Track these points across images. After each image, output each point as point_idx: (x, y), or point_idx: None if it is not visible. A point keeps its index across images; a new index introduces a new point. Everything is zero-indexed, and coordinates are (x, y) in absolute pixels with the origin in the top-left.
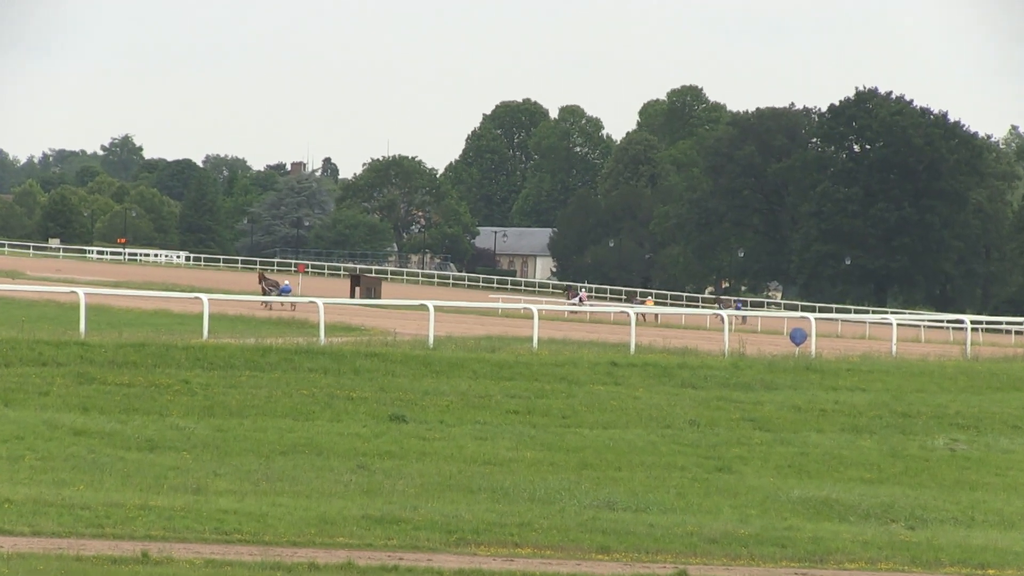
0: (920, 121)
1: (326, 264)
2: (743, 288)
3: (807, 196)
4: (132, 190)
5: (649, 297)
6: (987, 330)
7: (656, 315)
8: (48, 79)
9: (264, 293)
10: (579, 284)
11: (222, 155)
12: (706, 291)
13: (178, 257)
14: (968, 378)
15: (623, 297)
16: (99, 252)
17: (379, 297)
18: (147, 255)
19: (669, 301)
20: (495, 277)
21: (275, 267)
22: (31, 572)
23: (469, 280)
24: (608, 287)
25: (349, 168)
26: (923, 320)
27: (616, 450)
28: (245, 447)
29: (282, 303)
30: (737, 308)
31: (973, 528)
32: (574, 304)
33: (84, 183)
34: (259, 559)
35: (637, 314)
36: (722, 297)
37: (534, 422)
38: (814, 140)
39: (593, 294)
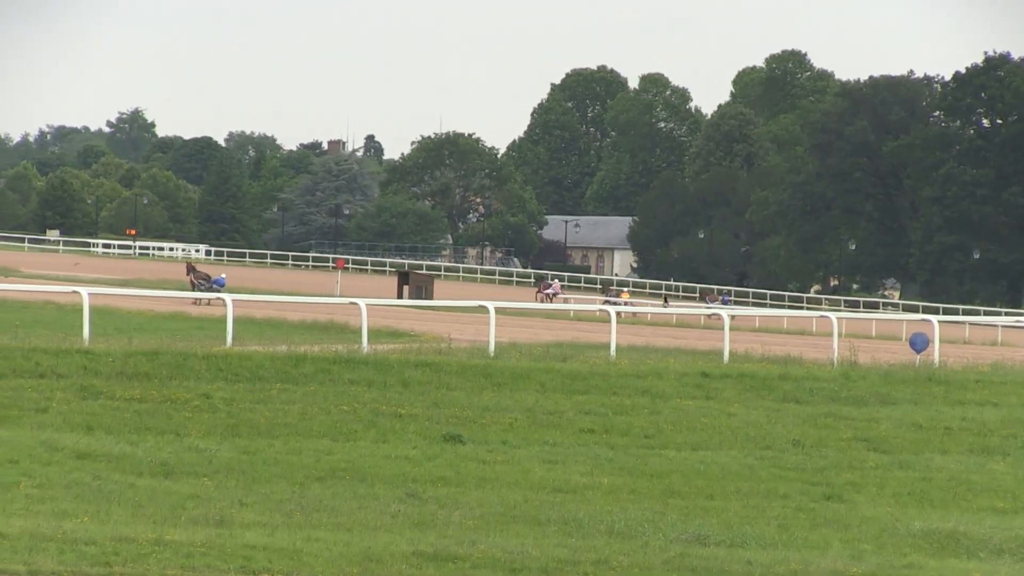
0: None
1: (369, 259)
2: (854, 287)
3: (928, 179)
4: (143, 173)
5: (625, 290)
6: None
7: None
8: (45, 45)
9: (192, 287)
10: (547, 273)
11: (248, 132)
12: (811, 290)
13: (197, 251)
14: None
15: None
16: (105, 245)
17: (431, 297)
18: (161, 249)
19: (769, 301)
20: (566, 274)
21: (310, 263)
22: None
23: (536, 277)
24: (697, 285)
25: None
26: None
27: (707, 475)
28: (275, 472)
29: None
30: (724, 301)
31: None
32: (547, 296)
33: (87, 165)
34: None
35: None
36: (715, 287)
37: (612, 443)
38: (936, 113)
39: (679, 293)
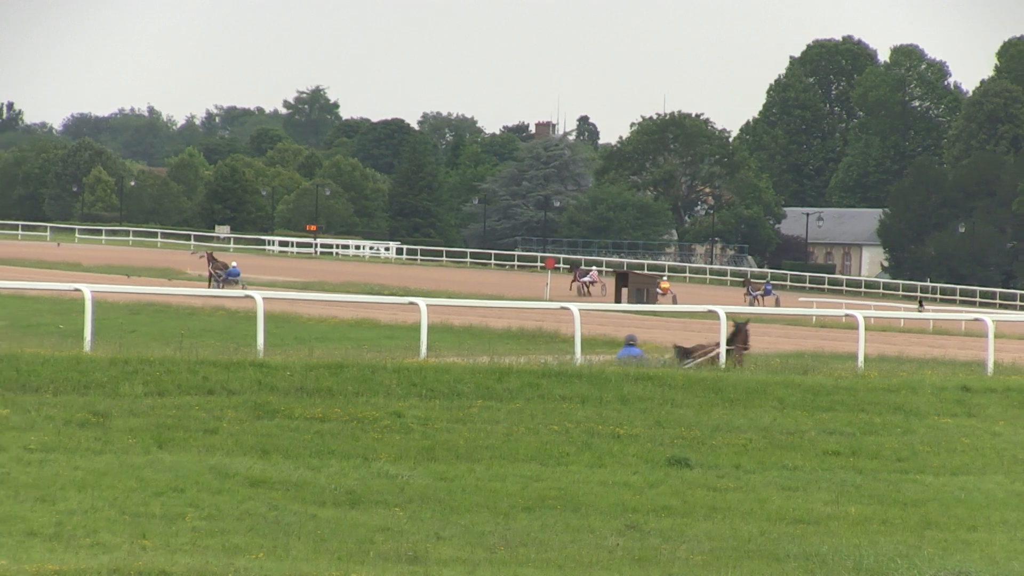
0: None
1: (583, 257)
2: None
3: None
4: (325, 161)
5: (664, 279)
6: None
7: (673, 297)
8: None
9: (211, 278)
10: (580, 258)
11: (444, 114)
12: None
13: (387, 249)
14: None
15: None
16: (282, 243)
17: (653, 301)
18: (346, 247)
19: None
20: (807, 274)
21: (516, 262)
22: None
23: (773, 278)
24: (958, 287)
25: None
26: None
27: (969, 504)
28: (477, 501)
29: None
30: (767, 290)
31: None
32: (584, 284)
33: (261, 151)
34: None
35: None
36: (752, 280)
37: (860, 467)
38: None
39: (928, 295)
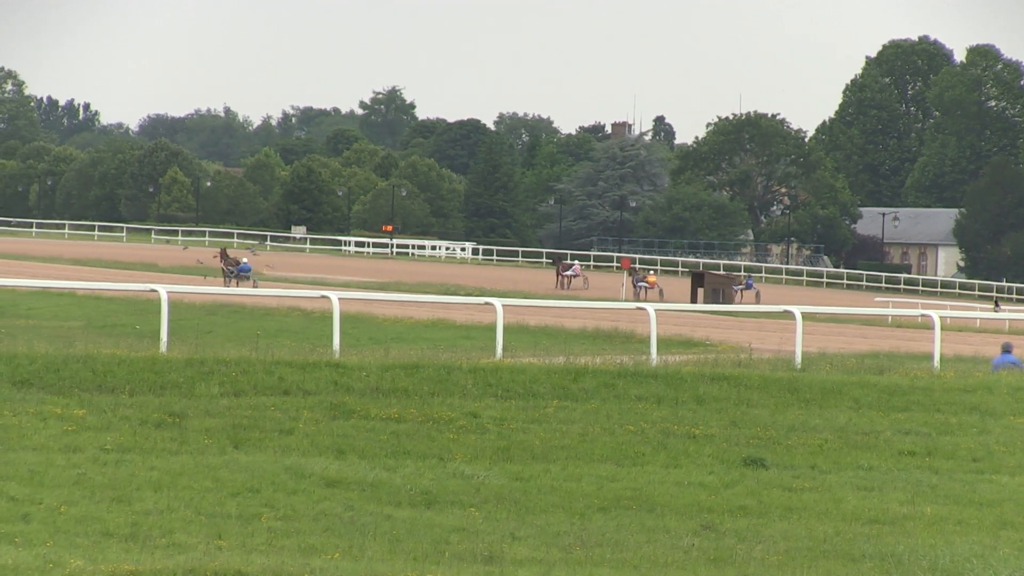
0: None
1: (659, 258)
2: None
3: None
4: (401, 161)
5: (651, 272)
6: None
7: (660, 291)
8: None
9: (224, 275)
10: (566, 252)
11: (520, 114)
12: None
13: (463, 250)
14: None
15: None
16: (358, 244)
17: (730, 301)
18: (422, 247)
19: None
20: (882, 274)
21: (591, 262)
22: None
23: (849, 278)
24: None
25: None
26: None
27: None
28: (552, 502)
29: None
30: (748, 285)
31: None
32: (567, 278)
33: (338, 152)
34: None
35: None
36: (733, 274)
37: (935, 467)
38: None
39: (1004, 295)
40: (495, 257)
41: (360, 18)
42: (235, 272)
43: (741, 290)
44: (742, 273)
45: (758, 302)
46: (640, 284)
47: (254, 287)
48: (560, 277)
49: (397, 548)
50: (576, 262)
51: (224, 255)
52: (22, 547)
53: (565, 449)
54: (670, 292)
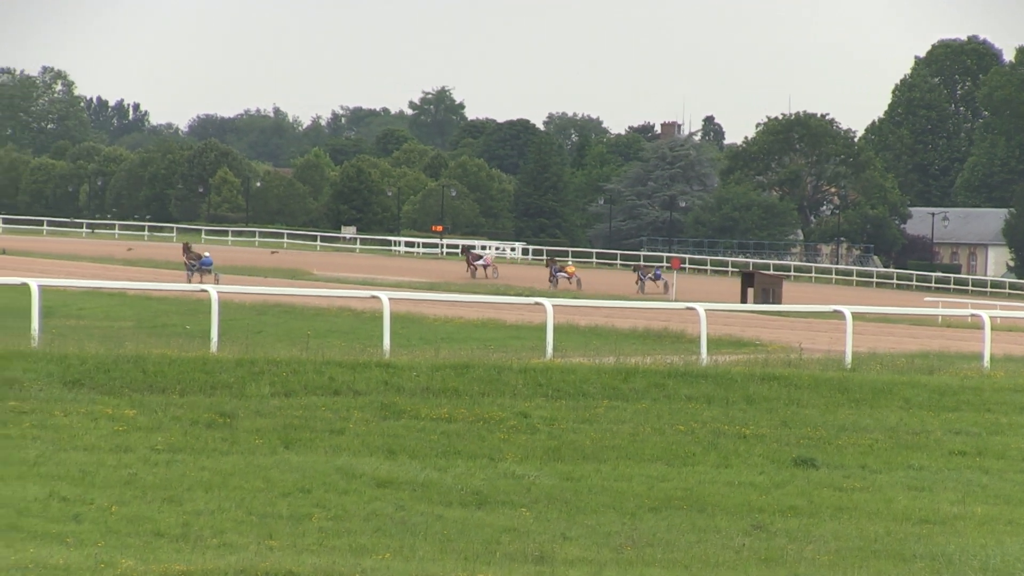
0: None
1: (709, 258)
2: None
3: None
4: (451, 161)
5: (569, 263)
6: None
7: (578, 281)
8: (340, 21)
9: (187, 268)
10: (475, 243)
11: (570, 114)
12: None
13: (512, 250)
14: None
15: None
16: (408, 244)
17: (779, 301)
18: (472, 248)
19: None
20: (932, 274)
21: (640, 262)
22: None
23: (899, 278)
24: None
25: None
26: None
27: None
28: (603, 502)
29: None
30: (656, 276)
31: None
32: (477, 267)
33: (387, 152)
34: None
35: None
36: (642, 265)
37: (986, 467)
38: None
39: None
40: (545, 257)
41: (409, 18)
42: (197, 266)
43: (651, 280)
44: (653, 265)
45: (666, 292)
46: (559, 274)
47: (216, 282)
48: (471, 266)
49: (448, 548)
50: (487, 252)
51: (187, 249)
52: (74, 547)
53: (615, 449)
54: (719, 292)
